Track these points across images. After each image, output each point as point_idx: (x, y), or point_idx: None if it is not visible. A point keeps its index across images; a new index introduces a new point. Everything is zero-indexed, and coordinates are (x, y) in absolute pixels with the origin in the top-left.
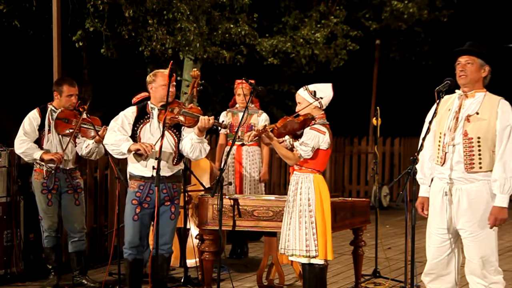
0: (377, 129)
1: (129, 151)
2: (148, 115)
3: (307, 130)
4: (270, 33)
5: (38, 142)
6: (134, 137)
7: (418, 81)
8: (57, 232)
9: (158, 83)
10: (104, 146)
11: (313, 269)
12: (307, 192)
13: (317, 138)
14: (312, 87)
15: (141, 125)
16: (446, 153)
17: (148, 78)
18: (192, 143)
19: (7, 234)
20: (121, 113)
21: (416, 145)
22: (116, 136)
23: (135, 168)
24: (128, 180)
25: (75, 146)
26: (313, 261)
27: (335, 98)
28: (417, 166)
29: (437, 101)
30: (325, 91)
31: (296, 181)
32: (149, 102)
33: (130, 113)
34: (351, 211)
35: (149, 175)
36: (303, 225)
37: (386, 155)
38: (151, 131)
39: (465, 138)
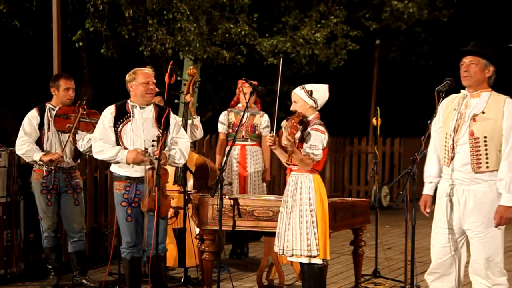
0: (377, 129)
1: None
2: (128, 114)
3: (309, 132)
4: (270, 33)
5: (39, 141)
6: (116, 137)
7: (418, 81)
8: (57, 232)
9: (138, 81)
10: None
11: (312, 269)
12: (308, 192)
13: (320, 137)
14: (309, 86)
15: (122, 125)
16: (452, 153)
17: (128, 77)
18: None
19: (7, 234)
20: (100, 119)
21: (416, 145)
22: (104, 148)
23: (119, 168)
24: (113, 181)
25: (74, 143)
26: (313, 260)
27: (336, 98)
28: (426, 163)
29: (437, 101)
30: (321, 91)
31: (295, 181)
32: (128, 100)
33: (108, 114)
34: (351, 211)
35: (135, 175)
36: (304, 225)
37: (386, 155)
38: (134, 131)
39: (471, 138)
